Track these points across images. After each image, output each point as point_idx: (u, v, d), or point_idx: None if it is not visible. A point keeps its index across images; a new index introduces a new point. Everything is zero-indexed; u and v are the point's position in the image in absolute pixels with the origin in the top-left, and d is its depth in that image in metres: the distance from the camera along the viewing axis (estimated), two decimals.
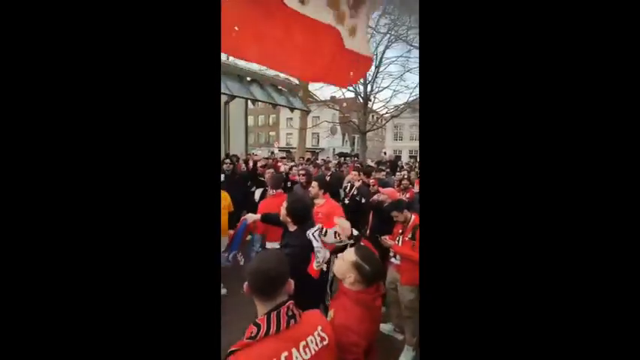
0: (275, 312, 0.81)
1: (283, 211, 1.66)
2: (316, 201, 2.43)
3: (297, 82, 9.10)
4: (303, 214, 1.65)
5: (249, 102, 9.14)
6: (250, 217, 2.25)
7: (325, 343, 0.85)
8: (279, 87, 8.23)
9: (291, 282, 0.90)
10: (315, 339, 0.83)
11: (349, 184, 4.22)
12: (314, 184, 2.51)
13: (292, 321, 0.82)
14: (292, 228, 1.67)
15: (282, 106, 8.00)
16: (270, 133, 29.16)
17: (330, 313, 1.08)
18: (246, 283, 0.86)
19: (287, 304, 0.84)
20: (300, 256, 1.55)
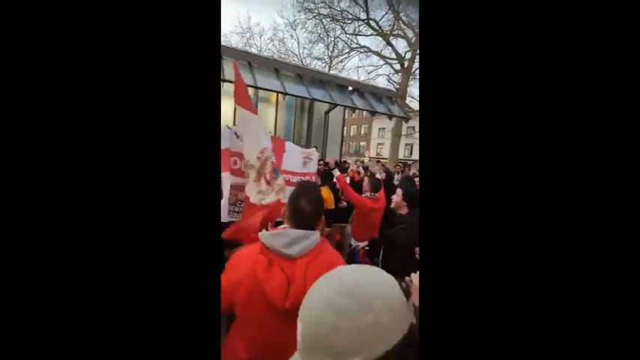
0: None
1: (398, 199, 2.11)
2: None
3: (395, 90, 8.91)
4: (416, 198, 2.11)
5: (346, 111, 9.48)
6: (360, 245, 2.62)
7: None
8: (379, 95, 8.24)
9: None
10: None
11: None
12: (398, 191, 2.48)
13: None
14: (404, 211, 2.09)
15: (382, 113, 7.97)
16: (361, 142, 29.47)
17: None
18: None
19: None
20: (414, 231, 1.94)
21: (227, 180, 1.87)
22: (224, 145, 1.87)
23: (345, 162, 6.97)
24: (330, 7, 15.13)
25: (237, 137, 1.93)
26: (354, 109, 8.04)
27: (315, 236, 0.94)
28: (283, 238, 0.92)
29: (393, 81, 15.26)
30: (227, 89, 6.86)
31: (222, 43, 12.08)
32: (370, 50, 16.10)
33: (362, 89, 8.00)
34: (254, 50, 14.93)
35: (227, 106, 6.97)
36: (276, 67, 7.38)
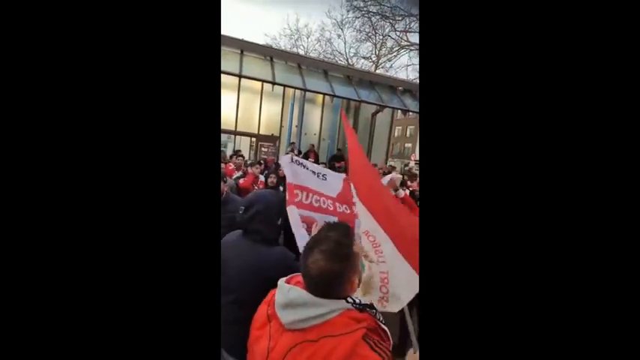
0: None
1: None
2: None
3: None
4: None
5: (395, 112, 9.04)
6: None
7: None
8: None
9: None
10: None
11: None
12: None
13: None
14: None
15: None
16: (406, 144, 28.34)
17: None
18: None
19: None
20: None
21: (293, 213, 1.83)
22: (288, 179, 1.84)
23: (393, 167, 6.62)
24: (379, 5, 14.66)
25: (304, 167, 1.88)
26: (405, 111, 7.61)
27: (327, 309, 0.62)
28: (282, 295, 0.67)
29: None
30: (230, 82, 6.95)
31: (272, 46, 12.49)
32: None
33: (414, 90, 7.54)
34: (301, 51, 15.13)
35: (228, 101, 7.03)
36: (324, 68, 7.28)
